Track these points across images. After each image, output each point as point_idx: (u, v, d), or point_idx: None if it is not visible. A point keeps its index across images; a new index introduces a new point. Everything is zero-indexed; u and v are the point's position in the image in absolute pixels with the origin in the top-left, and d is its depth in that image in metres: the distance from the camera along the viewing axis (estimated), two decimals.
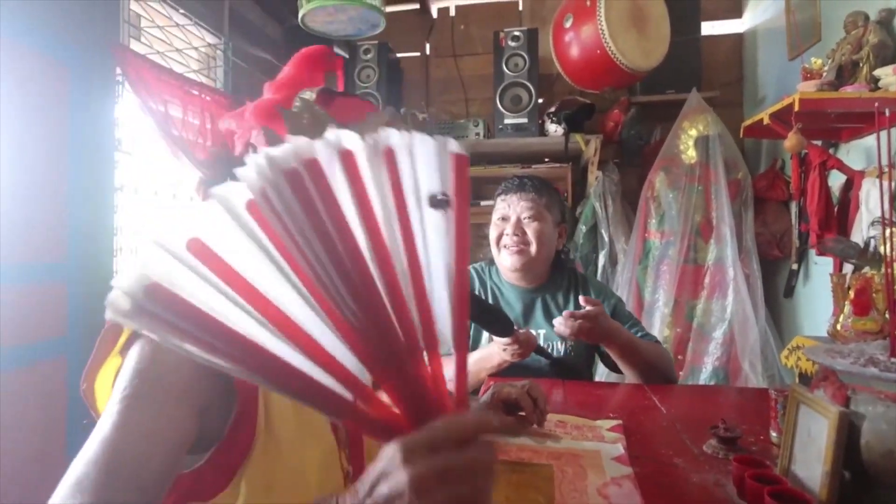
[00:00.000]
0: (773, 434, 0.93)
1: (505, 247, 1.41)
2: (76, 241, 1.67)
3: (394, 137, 0.41)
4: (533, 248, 1.39)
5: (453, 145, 0.43)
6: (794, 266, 2.21)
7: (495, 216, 1.45)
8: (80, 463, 0.46)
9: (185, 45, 2.28)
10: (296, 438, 0.59)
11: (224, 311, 0.36)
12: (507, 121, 2.64)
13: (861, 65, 1.72)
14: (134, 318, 0.33)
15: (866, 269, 0.86)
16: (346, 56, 2.93)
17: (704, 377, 2.26)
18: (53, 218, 1.61)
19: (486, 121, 2.76)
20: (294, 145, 0.38)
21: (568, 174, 2.61)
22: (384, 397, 0.41)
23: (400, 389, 0.40)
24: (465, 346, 0.43)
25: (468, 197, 0.44)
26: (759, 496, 0.68)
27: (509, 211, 1.41)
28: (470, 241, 0.44)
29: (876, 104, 0.64)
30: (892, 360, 0.66)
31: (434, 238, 0.43)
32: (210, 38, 2.43)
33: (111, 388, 0.53)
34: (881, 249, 0.81)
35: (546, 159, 2.72)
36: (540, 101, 2.68)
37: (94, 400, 0.61)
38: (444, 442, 0.38)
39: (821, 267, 2.09)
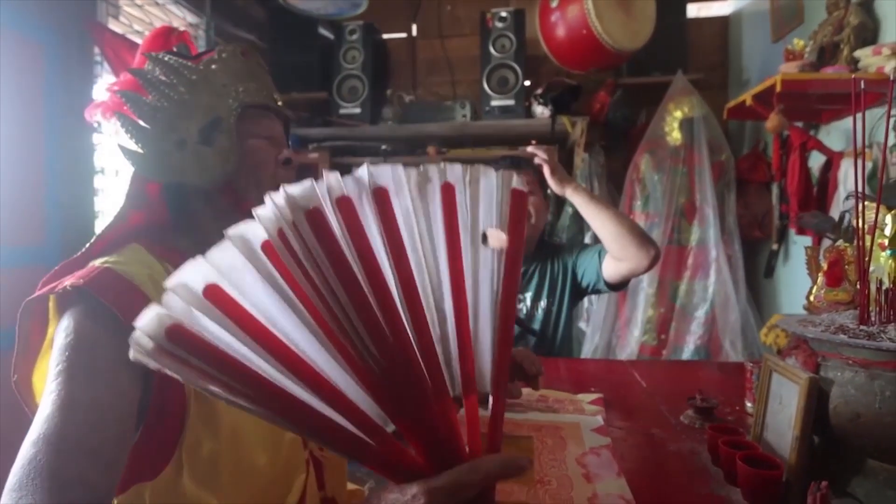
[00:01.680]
0: (748, 404, 0.95)
1: None
2: (54, 224, 1.64)
3: (454, 171, 0.40)
4: (533, 219, 1.51)
5: (515, 181, 0.42)
6: (775, 246, 2.25)
7: None
8: (29, 445, 0.45)
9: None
10: None
11: (246, 353, 0.35)
12: (493, 102, 2.63)
13: (842, 46, 1.73)
14: (157, 358, 0.33)
15: (840, 242, 0.88)
16: (332, 36, 2.89)
17: (687, 356, 2.30)
18: (30, 200, 1.58)
19: (473, 102, 2.74)
20: (318, 183, 0.36)
21: (554, 156, 2.62)
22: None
23: (423, 436, 0.39)
24: (503, 387, 0.42)
25: (523, 236, 0.43)
26: (731, 462, 0.70)
27: None
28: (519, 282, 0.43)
29: (853, 76, 0.65)
30: (862, 327, 0.68)
31: (485, 276, 0.42)
32: (191, 18, 2.37)
33: None
34: (853, 223, 0.83)
35: (532, 141, 2.71)
36: (527, 83, 2.67)
37: (31, 394, 0.58)
38: (467, 488, 0.37)
39: (800, 247, 2.13)
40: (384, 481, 0.40)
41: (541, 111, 2.60)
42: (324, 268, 0.36)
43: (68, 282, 0.52)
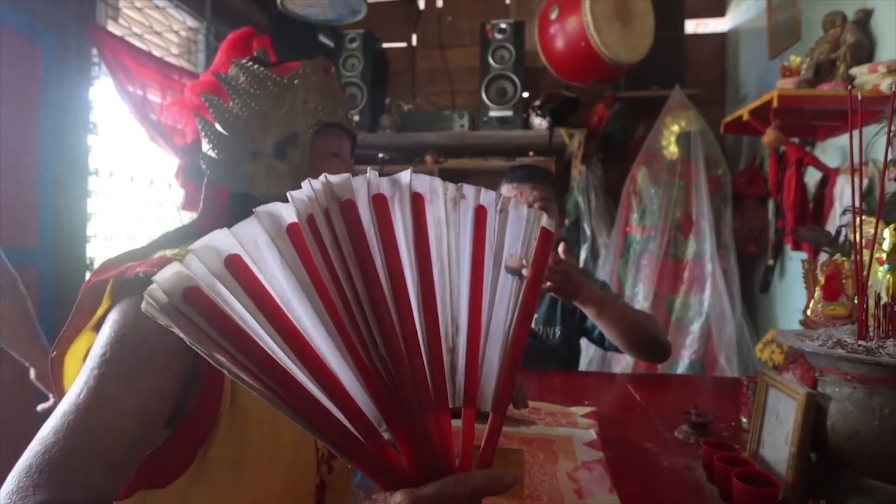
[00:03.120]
0: (744, 420, 0.94)
1: None
2: (48, 225, 1.63)
3: (489, 196, 0.42)
4: None
5: (545, 220, 0.44)
6: (770, 262, 2.25)
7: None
8: (50, 432, 0.44)
9: (165, 28, 2.23)
10: (268, 415, 0.57)
11: (256, 328, 0.35)
12: (492, 113, 2.63)
13: (838, 63, 1.74)
14: (168, 314, 0.33)
15: (837, 256, 0.87)
16: (332, 44, 2.89)
17: (682, 370, 2.29)
18: (24, 201, 1.56)
19: (472, 113, 2.75)
20: (357, 177, 0.37)
21: (552, 168, 2.62)
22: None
23: (415, 443, 0.38)
24: (503, 408, 0.42)
25: (544, 271, 0.44)
26: (726, 478, 0.68)
27: (522, 199, 1.41)
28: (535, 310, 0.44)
29: (850, 88, 0.65)
30: (860, 342, 0.66)
31: (502, 300, 0.43)
32: (191, 22, 2.38)
33: (82, 362, 0.51)
34: (851, 237, 0.83)
35: (530, 152, 2.72)
36: (525, 94, 2.68)
37: (61, 373, 0.59)
38: (452, 501, 0.37)
39: (796, 263, 2.13)
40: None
41: (539, 122, 2.61)
42: (348, 259, 0.36)
43: (140, 269, 0.52)
